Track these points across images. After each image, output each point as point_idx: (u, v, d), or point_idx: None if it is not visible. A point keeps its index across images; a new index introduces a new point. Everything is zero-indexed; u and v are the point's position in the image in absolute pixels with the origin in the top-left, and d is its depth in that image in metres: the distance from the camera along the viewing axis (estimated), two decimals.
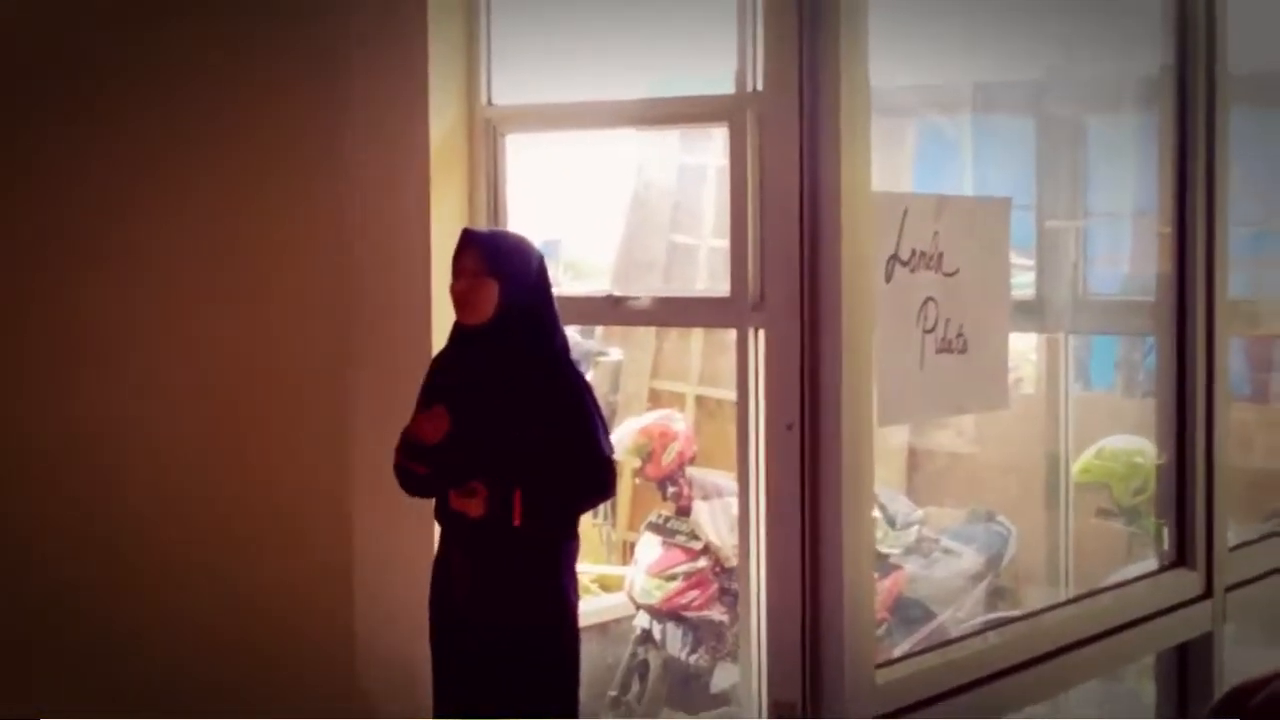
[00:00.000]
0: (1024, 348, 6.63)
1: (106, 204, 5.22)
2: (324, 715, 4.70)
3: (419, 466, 4.16)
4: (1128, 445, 6.34)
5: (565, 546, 4.19)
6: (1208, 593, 5.33)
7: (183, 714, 4.94)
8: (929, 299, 4.39)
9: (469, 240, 4.17)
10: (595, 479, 4.15)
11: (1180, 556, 5.31)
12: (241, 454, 5.05)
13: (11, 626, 5.41)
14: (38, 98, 5.33)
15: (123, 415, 5.22)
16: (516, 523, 4.02)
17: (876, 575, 6.20)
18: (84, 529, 5.29)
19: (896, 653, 5.05)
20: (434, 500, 4.25)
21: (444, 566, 4.26)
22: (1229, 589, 5.41)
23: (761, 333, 4.35)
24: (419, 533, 4.46)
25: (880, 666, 4.34)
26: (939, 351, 4.43)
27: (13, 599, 5.40)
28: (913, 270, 4.35)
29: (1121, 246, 6.53)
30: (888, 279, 4.26)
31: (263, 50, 4.93)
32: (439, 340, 4.64)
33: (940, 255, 4.42)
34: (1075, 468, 6.31)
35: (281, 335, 4.96)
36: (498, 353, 4.13)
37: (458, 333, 4.23)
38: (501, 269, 4.10)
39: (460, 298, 4.13)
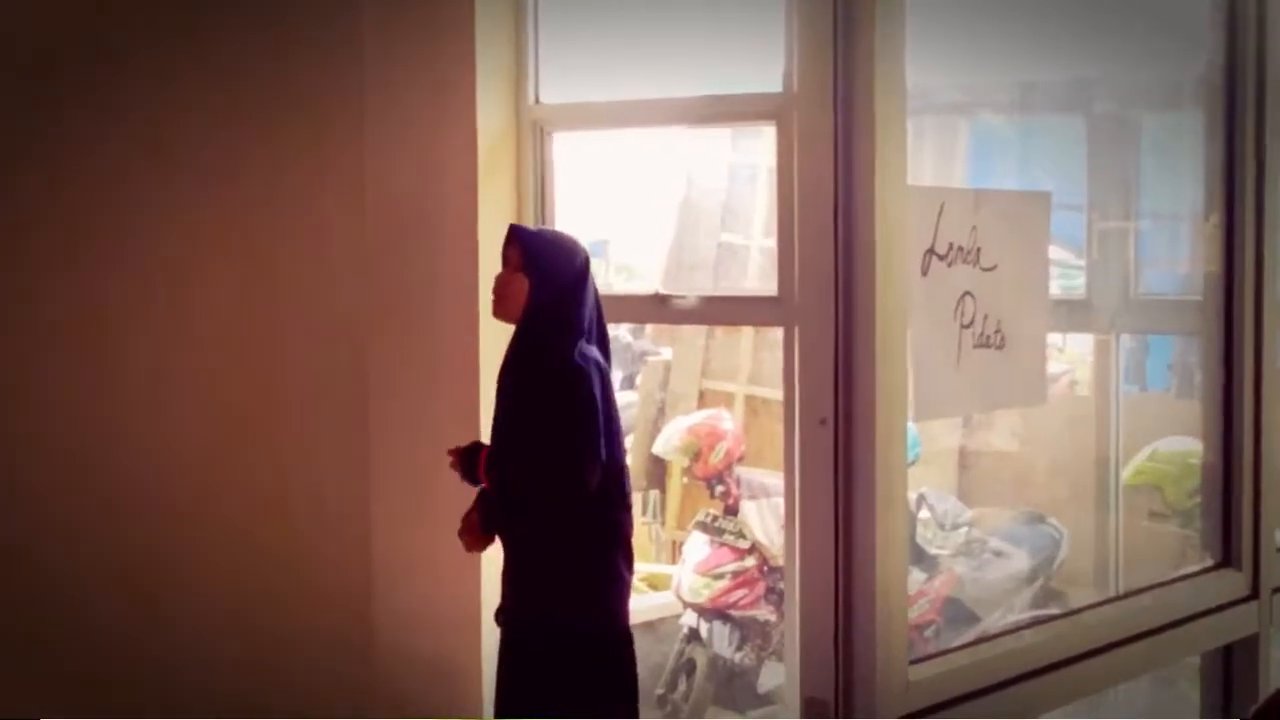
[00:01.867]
0: (1083, 350, 6.60)
1: (126, 206, 5.25)
2: (343, 714, 4.74)
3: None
4: (1181, 447, 6.27)
5: (607, 553, 4.14)
6: (1254, 594, 5.27)
7: (201, 714, 4.97)
8: (966, 294, 4.38)
9: (511, 236, 4.18)
10: (553, 479, 4.01)
11: (1226, 557, 5.27)
12: (261, 452, 5.08)
13: (26, 627, 5.45)
14: (56, 80, 5.36)
15: (139, 409, 5.25)
16: (482, 481, 4.08)
17: (925, 576, 6.22)
18: (102, 526, 5.32)
19: None
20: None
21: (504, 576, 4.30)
22: (1276, 590, 5.35)
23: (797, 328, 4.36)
24: (437, 529, 4.49)
25: (914, 663, 4.33)
26: (976, 347, 4.42)
27: (27, 600, 5.44)
28: (950, 265, 4.33)
29: (1175, 247, 6.47)
30: (924, 273, 4.26)
31: (306, 48, 4.96)
32: (485, 342, 4.69)
33: (978, 250, 4.40)
34: (1128, 470, 6.26)
35: (320, 339, 4.99)
36: (519, 348, 4.14)
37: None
38: (534, 266, 4.10)
39: (494, 292, 4.16)
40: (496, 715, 4.26)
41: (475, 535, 4.21)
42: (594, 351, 4.13)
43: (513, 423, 4.11)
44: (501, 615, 4.24)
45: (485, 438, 4.29)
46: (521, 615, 4.17)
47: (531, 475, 4.04)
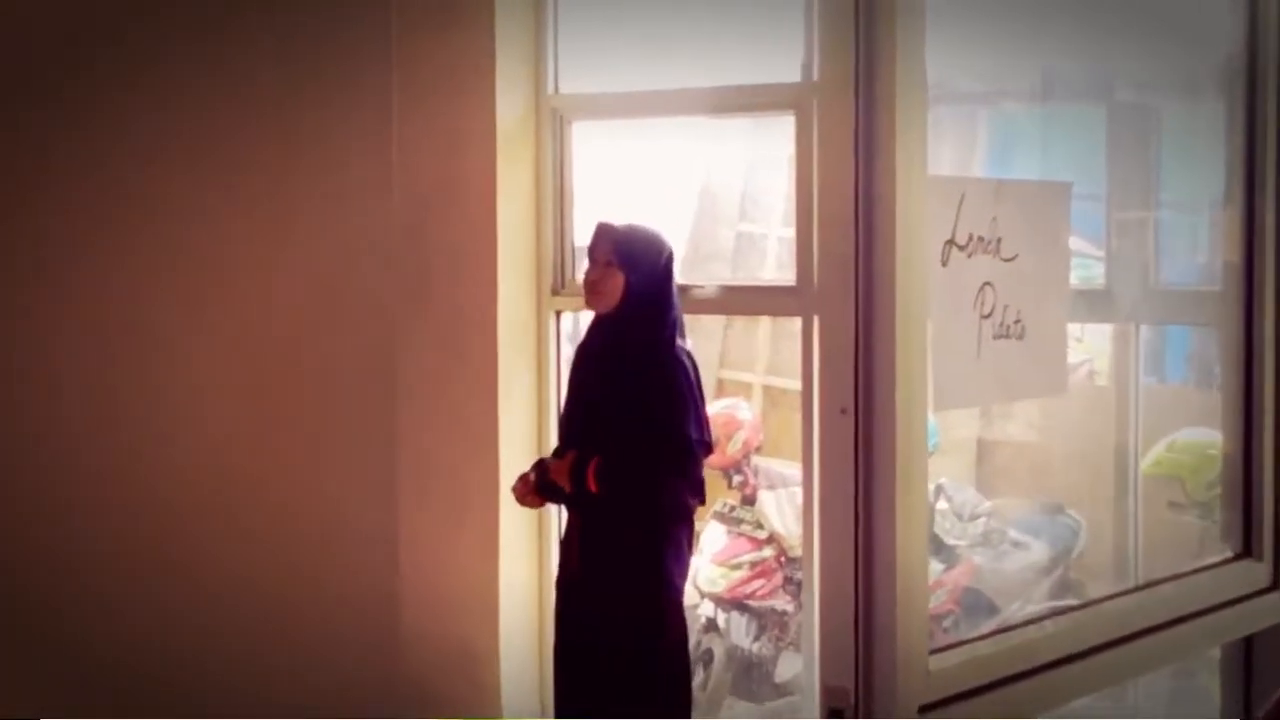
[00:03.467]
0: (1101, 340, 6.58)
1: (151, 198, 5.25)
2: (367, 696, 4.74)
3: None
4: (1201, 438, 6.26)
5: (671, 529, 4.37)
6: (1275, 585, 5.23)
7: (225, 714, 4.97)
8: (986, 284, 4.36)
9: (603, 232, 4.37)
10: (671, 457, 4.29)
11: (1246, 548, 5.24)
12: (288, 438, 5.09)
13: (50, 628, 5.45)
14: (86, 70, 5.35)
15: (166, 400, 5.27)
16: (593, 488, 4.24)
17: (944, 566, 6.20)
18: (125, 520, 5.33)
19: None
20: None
21: (566, 545, 4.54)
22: None
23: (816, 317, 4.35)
24: (466, 523, 4.51)
25: (934, 653, 4.32)
26: (996, 337, 4.40)
27: (49, 600, 5.44)
28: (970, 255, 4.32)
29: (1195, 237, 6.45)
30: (944, 264, 4.24)
31: (332, 39, 4.97)
32: (504, 331, 4.71)
33: (999, 240, 4.39)
34: (1146, 461, 6.23)
35: (340, 327, 5.00)
36: (616, 338, 4.34)
37: (593, 319, 4.46)
38: (630, 260, 4.30)
39: (590, 286, 4.35)
40: (562, 690, 4.48)
41: (532, 495, 4.50)
42: (684, 343, 4.41)
43: (612, 399, 4.31)
44: (567, 581, 4.48)
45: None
46: (594, 589, 4.40)
47: (646, 472, 4.30)
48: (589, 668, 4.41)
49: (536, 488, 4.48)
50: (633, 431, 4.26)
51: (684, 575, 4.46)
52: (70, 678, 5.38)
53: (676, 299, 4.41)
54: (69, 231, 5.42)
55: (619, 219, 4.38)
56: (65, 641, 5.43)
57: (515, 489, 4.53)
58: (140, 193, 5.28)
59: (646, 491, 4.35)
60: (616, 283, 4.30)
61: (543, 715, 4.89)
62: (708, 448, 4.44)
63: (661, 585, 4.36)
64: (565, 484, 4.33)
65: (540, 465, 4.52)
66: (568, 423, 4.54)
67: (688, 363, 4.38)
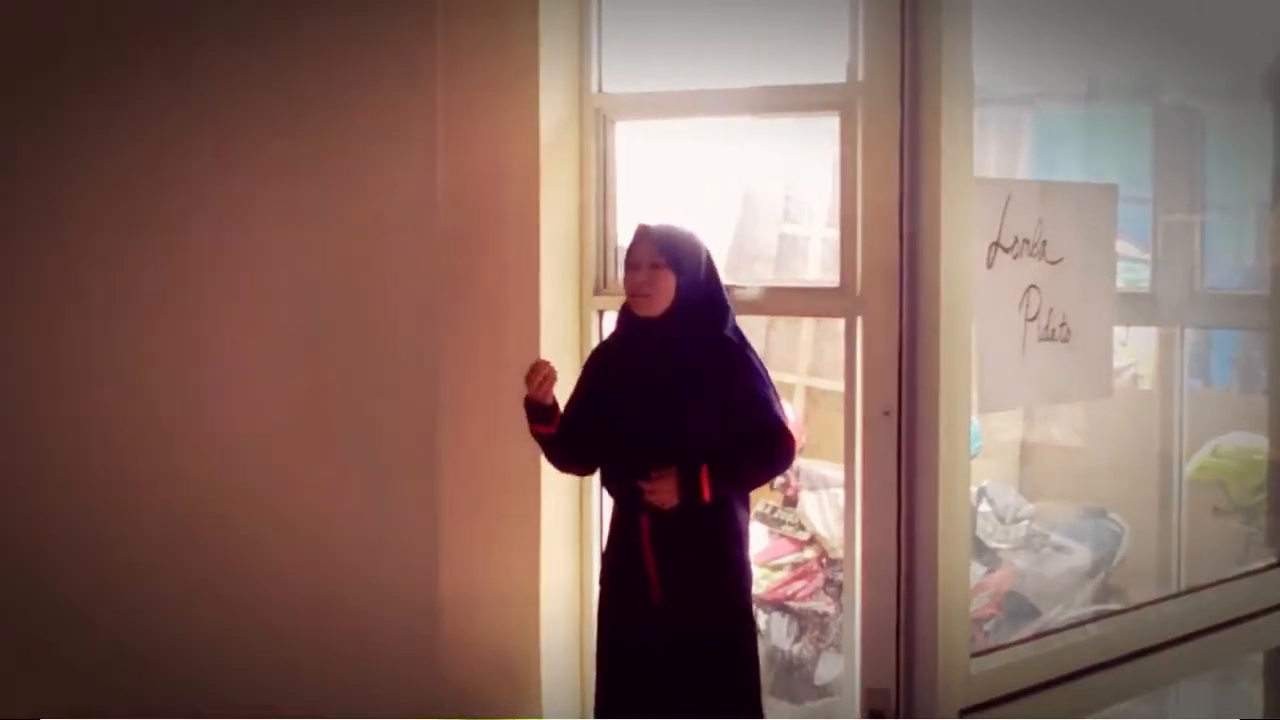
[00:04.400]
0: (1146, 344, 6.55)
1: (193, 197, 5.26)
2: (408, 700, 4.75)
3: (543, 427, 4.28)
4: (1245, 443, 6.23)
5: (743, 520, 4.28)
6: None
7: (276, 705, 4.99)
8: (1032, 286, 4.36)
9: (646, 234, 4.24)
10: (776, 445, 4.18)
11: None
12: (329, 441, 5.10)
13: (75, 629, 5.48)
14: (134, 63, 5.37)
15: (208, 401, 5.27)
16: (706, 498, 4.09)
17: (986, 569, 6.18)
18: (163, 525, 5.35)
19: None
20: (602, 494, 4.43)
21: (624, 558, 4.29)
22: None
23: (860, 319, 4.35)
24: (507, 525, 4.50)
25: (976, 656, 4.31)
26: (1041, 340, 4.40)
27: (80, 606, 5.46)
28: (1015, 257, 4.32)
29: (1241, 240, 6.42)
30: (989, 265, 4.24)
31: (377, 38, 4.98)
32: (547, 331, 4.70)
33: (1044, 242, 4.39)
34: (1190, 465, 6.20)
35: (382, 329, 5.01)
36: (676, 342, 4.20)
37: (633, 323, 4.28)
38: (679, 261, 4.19)
39: (638, 289, 4.20)
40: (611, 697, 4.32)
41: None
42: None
43: (694, 405, 4.16)
44: (634, 594, 4.25)
45: None
46: (683, 592, 4.21)
47: (761, 469, 4.27)
48: (679, 679, 4.20)
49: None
50: (731, 431, 4.13)
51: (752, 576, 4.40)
52: (107, 681, 5.41)
53: (728, 293, 4.33)
54: (109, 231, 5.43)
55: (654, 220, 4.31)
56: (105, 647, 5.47)
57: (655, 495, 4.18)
58: (179, 193, 5.29)
59: (755, 486, 4.34)
60: (668, 284, 4.17)
61: (583, 717, 4.88)
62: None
63: (749, 581, 4.28)
64: (673, 499, 4.10)
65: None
66: (628, 432, 4.24)
67: (753, 352, 4.29)
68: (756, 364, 4.22)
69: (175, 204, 5.29)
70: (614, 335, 4.38)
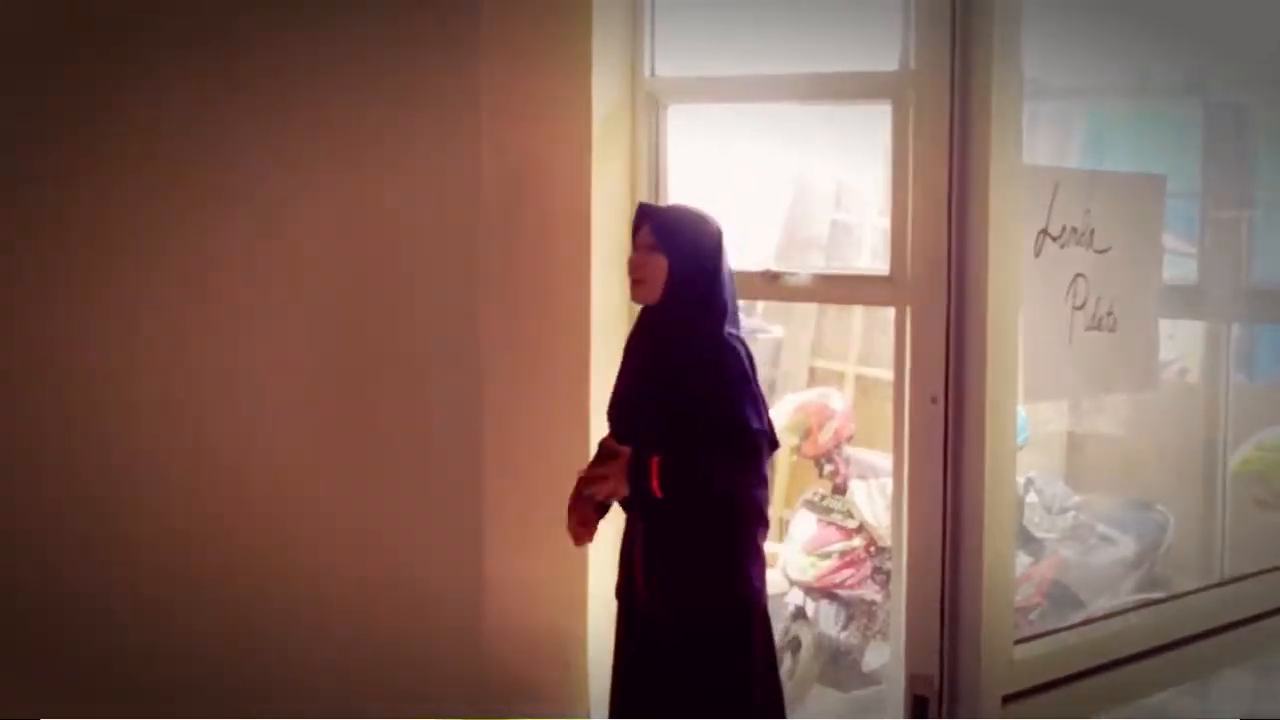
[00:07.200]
0: (1192, 337, 6.55)
1: (243, 180, 5.23)
2: (457, 706, 4.74)
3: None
4: None
5: (749, 531, 4.06)
6: None
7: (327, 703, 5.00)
8: (1079, 275, 4.38)
9: (642, 215, 4.08)
10: (737, 452, 3.93)
11: None
12: (373, 433, 5.07)
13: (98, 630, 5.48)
14: (183, 54, 5.37)
15: (249, 386, 5.26)
16: (657, 493, 3.89)
17: (1031, 559, 6.20)
18: (196, 520, 5.33)
19: None
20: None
21: (627, 553, 4.19)
22: None
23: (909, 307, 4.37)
24: (547, 508, 4.51)
25: (1019, 643, 4.34)
26: (1088, 329, 4.42)
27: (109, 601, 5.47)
28: (1063, 246, 4.34)
29: None
30: (1036, 254, 4.27)
31: (424, 21, 4.96)
32: (598, 327, 4.69)
33: (1092, 232, 4.41)
34: (1235, 458, 6.21)
35: (425, 321, 4.97)
36: (663, 328, 4.01)
37: (644, 309, 4.10)
38: (672, 245, 3.96)
39: (632, 273, 4.02)
40: (621, 696, 4.20)
41: (590, 528, 4.10)
42: (736, 330, 4.03)
43: (663, 394, 3.97)
44: (629, 593, 4.14)
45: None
46: (665, 594, 4.05)
47: (714, 472, 3.93)
48: (668, 692, 4.06)
49: (595, 506, 4.09)
50: (690, 429, 3.89)
51: (764, 577, 4.12)
52: (134, 686, 5.40)
53: (728, 283, 4.04)
54: (147, 223, 5.40)
55: (666, 201, 4.09)
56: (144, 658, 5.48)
57: (575, 521, 4.10)
58: (221, 184, 5.25)
59: (719, 494, 3.98)
60: (659, 269, 3.93)
61: None
62: (772, 440, 4.08)
63: (749, 593, 4.04)
64: (620, 486, 3.94)
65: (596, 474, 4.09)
66: (614, 421, 4.16)
67: (741, 350, 3.99)
68: (739, 366, 3.96)
69: (216, 196, 5.26)
70: (636, 322, 4.22)
